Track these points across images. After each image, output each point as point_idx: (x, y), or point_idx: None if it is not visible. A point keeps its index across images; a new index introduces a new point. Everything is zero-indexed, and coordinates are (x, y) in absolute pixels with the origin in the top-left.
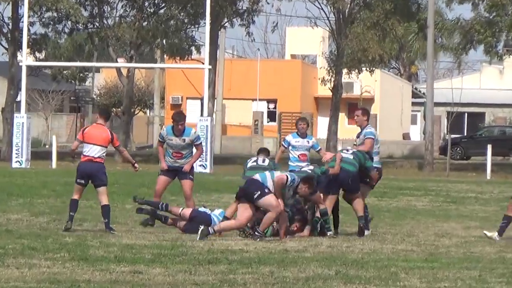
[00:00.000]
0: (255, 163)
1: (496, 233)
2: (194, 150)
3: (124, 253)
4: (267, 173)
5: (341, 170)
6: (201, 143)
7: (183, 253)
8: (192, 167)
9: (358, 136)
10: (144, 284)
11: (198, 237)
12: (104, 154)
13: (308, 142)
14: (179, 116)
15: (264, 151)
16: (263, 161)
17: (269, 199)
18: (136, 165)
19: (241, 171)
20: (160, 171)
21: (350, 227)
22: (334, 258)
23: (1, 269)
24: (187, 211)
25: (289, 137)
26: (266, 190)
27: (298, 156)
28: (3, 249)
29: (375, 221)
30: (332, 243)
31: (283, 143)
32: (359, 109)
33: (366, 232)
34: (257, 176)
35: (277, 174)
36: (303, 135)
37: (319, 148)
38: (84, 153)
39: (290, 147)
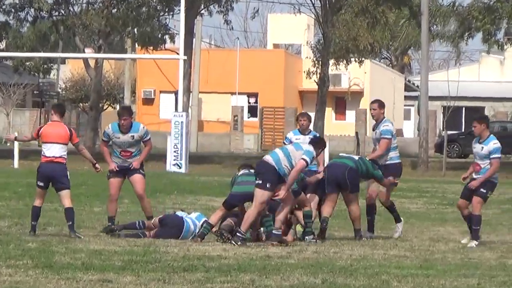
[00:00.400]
0: (246, 170)
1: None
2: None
3: (92, 260)
4: (279, 153)
5: (338, 165)
6: (150, 138)
7: (156, 259)
8: (141, 163)
9: (374, 129)
10: None
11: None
12: (65, 154)
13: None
14: (123, 110)
15: (246, 167)
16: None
17: (262, 195)
18: (97, 165)
19: (219, 171)
20: (109, 173)
21: (338, 231)
22: (321, 265)
23: None
24: (157, 219)
25: (290, 135)
26: (268, 185)
27: None
28: None
29: (364, 226)
30: (318, 249)
31: (284, 141)
32: (374, 101)
33: (368, 234)
34: (270, 160)
35: (291, 149)
36: (304, 132)
37: None
38: (44, 154)
39: None
